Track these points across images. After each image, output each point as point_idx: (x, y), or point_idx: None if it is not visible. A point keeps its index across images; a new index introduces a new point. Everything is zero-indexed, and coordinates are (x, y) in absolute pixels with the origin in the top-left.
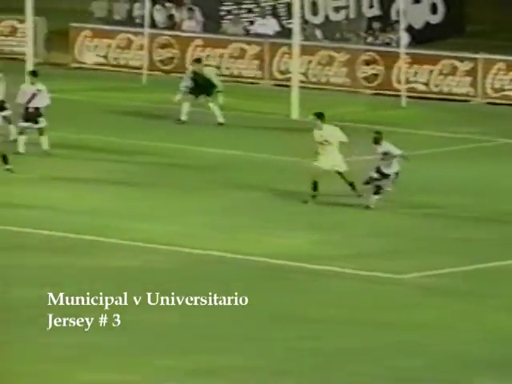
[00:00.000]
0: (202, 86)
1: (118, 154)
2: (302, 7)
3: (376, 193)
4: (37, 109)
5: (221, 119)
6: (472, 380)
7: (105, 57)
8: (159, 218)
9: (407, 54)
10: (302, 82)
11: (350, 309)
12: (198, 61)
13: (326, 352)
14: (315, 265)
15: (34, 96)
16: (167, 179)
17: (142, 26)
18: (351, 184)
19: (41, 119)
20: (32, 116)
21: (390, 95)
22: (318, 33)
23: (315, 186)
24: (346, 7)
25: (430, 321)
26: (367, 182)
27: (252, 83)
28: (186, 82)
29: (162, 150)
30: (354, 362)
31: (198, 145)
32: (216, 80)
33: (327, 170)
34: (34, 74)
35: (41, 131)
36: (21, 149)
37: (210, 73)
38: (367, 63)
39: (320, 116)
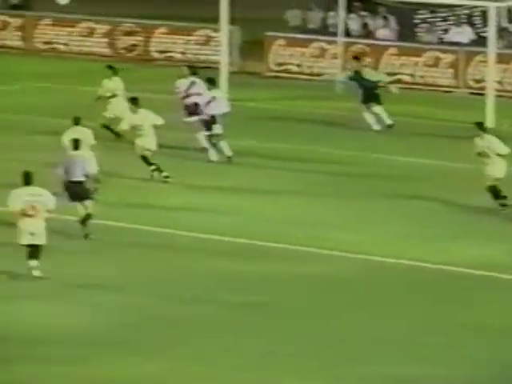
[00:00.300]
0: (369, 92)
1: (317, 164)
2: (498, 15)
3: None
4: (213, 116)
5: (389, 121)
6: None
7: (299, 65)
8: (345, 227)
9: None
10: (498, 90)
11: None
12: (356, 58)
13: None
14: (504, 274)
15: (209, 103)
16: (362, 189)
17: (336, 34)
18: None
19: (216, 125)
20: (208, 123)
21: None
22: None
23: (496, 194)
24: None
25: None
26: None
27: (446, 92)
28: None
29: (351, 159)
30: None
31: (385, 153)
32: (379, 76)
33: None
34: (210, 80)
35: (218, 138)
36: (213, 157)
37: (370, 73)
38: None
39: (480, 125)
